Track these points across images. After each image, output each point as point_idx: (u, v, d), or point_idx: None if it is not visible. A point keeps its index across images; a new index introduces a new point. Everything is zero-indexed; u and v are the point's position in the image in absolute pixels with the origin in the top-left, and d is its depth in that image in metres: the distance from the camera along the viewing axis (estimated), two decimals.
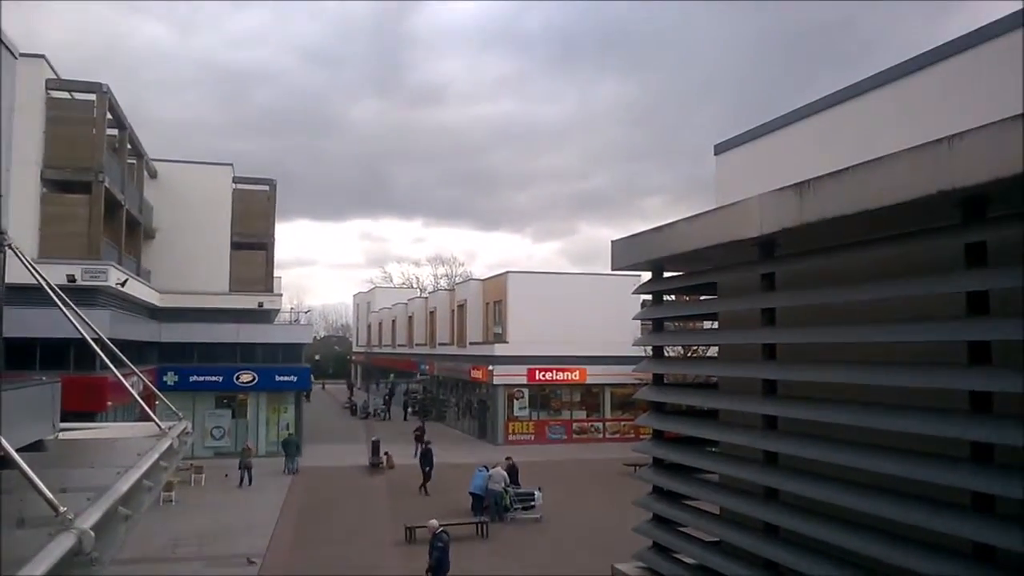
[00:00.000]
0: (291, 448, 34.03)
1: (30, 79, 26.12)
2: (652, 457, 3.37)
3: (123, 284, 27.64)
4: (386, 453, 34.57)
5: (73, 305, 5.97)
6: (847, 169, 2.08)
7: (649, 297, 3.59)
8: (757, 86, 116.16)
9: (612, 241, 3.55)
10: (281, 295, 43.69)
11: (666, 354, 3.66)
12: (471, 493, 25.35)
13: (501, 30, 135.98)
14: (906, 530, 2.03)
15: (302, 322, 52.55)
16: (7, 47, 4.76)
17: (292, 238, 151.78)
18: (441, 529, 17.93)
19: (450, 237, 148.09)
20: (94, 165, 27.81)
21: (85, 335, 6.02)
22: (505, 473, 25.86)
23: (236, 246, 40.29)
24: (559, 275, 47.60)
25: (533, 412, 44.04)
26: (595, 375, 42.69)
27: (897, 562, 2.01)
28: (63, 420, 5.65)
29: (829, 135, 4.89)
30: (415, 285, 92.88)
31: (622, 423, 42.97)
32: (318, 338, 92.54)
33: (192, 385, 35.95)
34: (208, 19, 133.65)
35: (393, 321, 71.01)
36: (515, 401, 43.56)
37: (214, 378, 36.78)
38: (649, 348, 3.66)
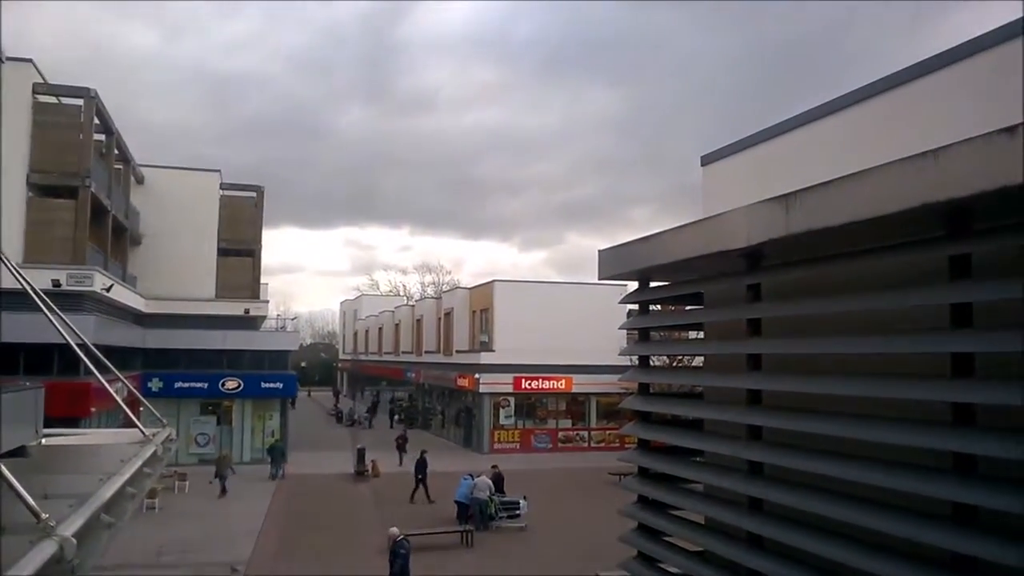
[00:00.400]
0: (277, 454, 33.99)
1: (17, 83, 26.00)
2: (637, 466, 3.37)
3: (108, 290, 27.47)
4: (372, 461, 34.43)
5: (57, 310, 5.93)
6: (833, 181, 2.09)
7: (635, 307, 3.60)
8: (743, 98, 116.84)
9: (599, 251, 3.55)
10: (267, 302, 43.52)
11: (652, 364, 3.67)
12: (456, 501, 25.29)
13: (489, 39, 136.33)
14: (889, 541, 2.04)
15: (288, 329, 52.31)
16: None
17: (279, 245, 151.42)
18: (402, 537, 17.84)
19: (436, 245, 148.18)
20: (80, 170, 27.67)
21: (69, 340, 5.98)
22: (490, 481, 25.81)
23: (223, 252, 40.15)
24: (545, 284, 47.69)
25: (519, 421, 44.01)
26: (581, 384, 42.73)
27: (879, 572, 2.02)
28: (46, 426, 5.60)
29: (815, 147, 4.92)
30: (402, 293, 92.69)
31: (607, 432, 42.98)
32: (304, 345, 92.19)
33: (177, 391, 35.73)
34: (196, 25, 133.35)
35: (380, 329, 70.85)
36: (501, 410, 43.52)
37: (199, 385, 36.57)
38: (635, 358, 3.66)
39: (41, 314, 5.67)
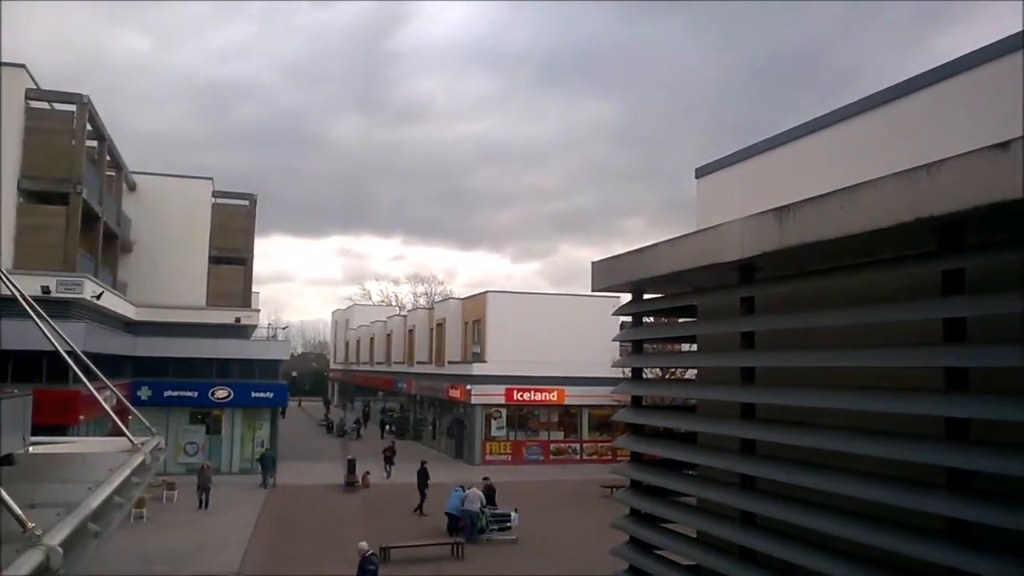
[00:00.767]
0: (268, 463, 33.95)
1: (10, 88, 25.94)
2: (629, 479, 3.36)
3: (98, 297, 27.37)
4: (367, 473, 34.30)
5: (47, 317, 5.89)
6: (827, 195, 2.09)
7: (628, 319, 3.59)
8: (736, 111, 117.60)
9: (592, 262, 3.55)
10: (259, 311, 43.45)
11: (645, 376, 3.66)
12: (447, 513, 25.19)
13: (484, 49, 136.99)
14: (882, 556, 2.03)
15: (279, 338, 52.23)
16: None
17: (270, 253, 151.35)
18: (371, 552, 17.72)
19: (429, 255, 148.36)
20: (72, 176, 27.61)
21: (58, 348, 5.94)
22: (481, 494, 25.73)
23: (214, 260, 40.08)
24: (538, 295, 47.72)
25: (511, 432, 43.94)
26: (573, 396, 42.69)
27: None
28: (34, 434, 5.57)
29: (809, 160, 4.94)
30: (394, 303, 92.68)
31: (599, 444, 42.94)
32: (295, 355, 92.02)
33: (166, 400, 35.57)
34: (190, 33, 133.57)
35: (371, 339, 70.71)
36: (493, 421, 43.44)
37: (189, 393, 36.42)
38: (628, 370, 3.66)
39: (30, 321, 5.64)
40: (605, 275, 3.43)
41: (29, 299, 5.59)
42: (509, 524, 25.30)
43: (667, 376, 24.01)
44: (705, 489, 2.90)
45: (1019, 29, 3.70)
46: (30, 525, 2.56)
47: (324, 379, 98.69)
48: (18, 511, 2.60)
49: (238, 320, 38.99)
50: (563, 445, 44.33)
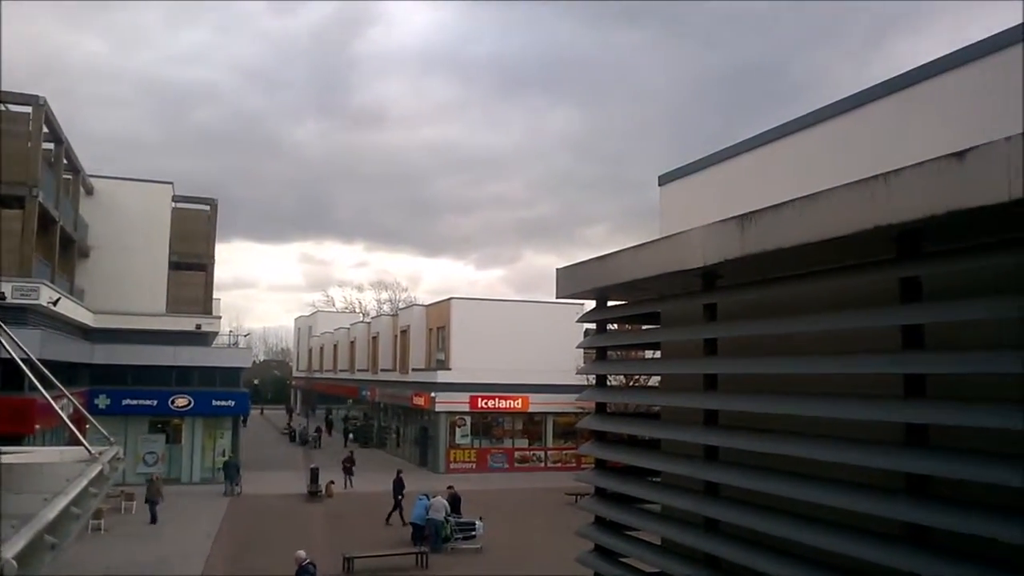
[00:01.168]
0: (231, 471, 33.65)
1: None
2: (594, 486, 3.36)
3: (55, 303, 26.85)
4: (331, 482, 33.99)
5: (2, 324, 5.77)
6: (788, 203, 2.11)
7: (592, 326, 3.60)
8: (699, 121, 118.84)
9: (557, 269, 3.56)
10: (220, 317, 42.95)
11: (609, 383, 3.67)
12: (411, 523, 25.05)
13: (446, 56, 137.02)
14: (844, 561, 2.05)
15: (241, 345, 51.64)
16: None
17: (231, 259, 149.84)
18: (308, 561, 17.55)
19: (393, 262, 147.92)
20: (28, 180, 27.10)
21: (13, 355, 5.82)
22: (446, 502, 25.61)
23: (174, 266, 39.55)
24: (503, 302, 47.70)
25: (475, 440, 43.84)
26: (538, 403, 42.73)
27: None
28: None
29: (770, 168, 4.99)
30: (358, 310, 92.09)
31: (564, 452, 42.99)
32: (257, 362, 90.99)
33: (125, 409, 34.98)
34: (149, 36, 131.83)
35: (335, 346, 70.20)
36: (457, 429, 43.32)
37: (148, 402, 35.84)
38: (592, 377, 3.66)
39: None
40: (569, 282, 3.44)
41: None
42: (474, 533, 25.21)
43: (631, 383, 24.12)
44: (669, 496, 2.91)
45: (973, 41, 3.78)
46: None
47: (287, 387, 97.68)
48: None
49: (199, 327, 38.50)
50: (528, 453, 44.32)
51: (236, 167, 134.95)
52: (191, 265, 40.49)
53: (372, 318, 66.25)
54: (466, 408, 42.66)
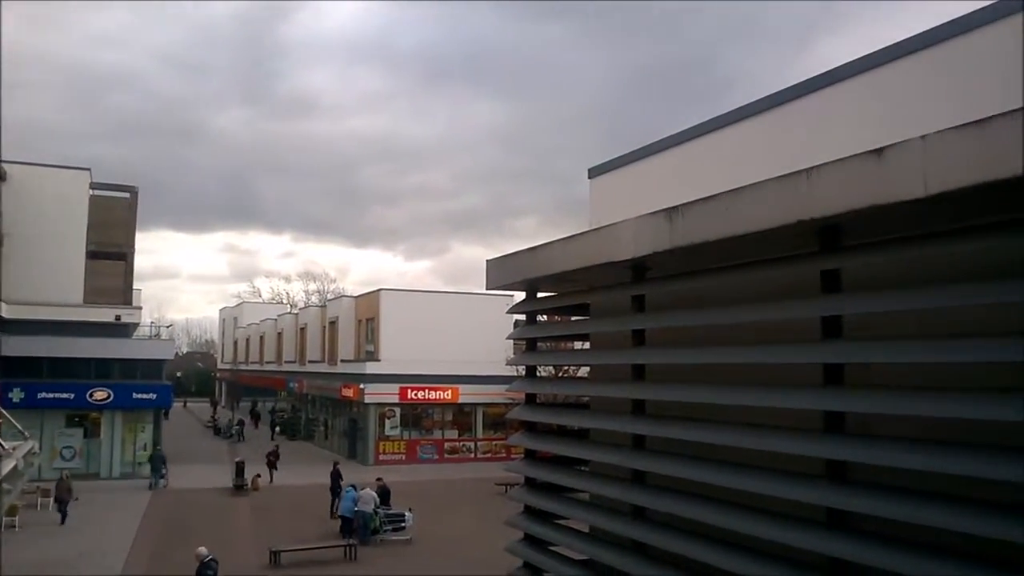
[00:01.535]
0: (157, 463, 32.96)
1: None
2: (524, 476, 3.38)
3: None
4: (257, 475, 33.40)
5: None
6: (715, 196, 2.15)
7: (523, 317, 3.62)
8: (624, 115, 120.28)
9: (487, 261, 3.56)
10: (140, 308, 41.76)
11: (539, 374, 3.69)
12: (339, 515, 24.82)
13: (374, 45, 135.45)
14: (767, 545, 2.11)
15: (163, 337, 50.30)
16: None
17: (153, 249, 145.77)
18: (210, 557, 17.30)
19: (321, 252, 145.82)
20: None
21: None
22: (375, 494, 25.44)
23: (92, 255, 38.22)
24: (432, 293, 47.54)
25: (405, 431, 43.63)
26: (468, 394, 42.75)
27: (756, 575, 2.09)
28: None
29: (699, 162, 5.08)
30: (285, 301, 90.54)
31: (494, 442, 43.12)
32: (180, 354, 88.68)
33: (41, 402, 33.72)
34: (64, 18, 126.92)
35: (261, 337, 68.94)
36: (386, 420, 43.03)
37: (65, 395, 34.60)
38: (522, 368, 3.68)
39: None
40: (500, 273, 3.44)
41: None
42: (403, 524, 25.12)
43: (560, 374, 24.30)
44: (598, 484, 2.95)
45: (895, 41, 3.91)
46: None
47: (211, 379, 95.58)
48: None
49: (118, 318, 37.36)
50: (457, 443, 44.33)
51: (158, 154, 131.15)
52: (110, 254, 39.23)
53: (300, 309, 65.30)
54: (396, 399, 42.42)
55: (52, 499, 26.97)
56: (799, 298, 2.14)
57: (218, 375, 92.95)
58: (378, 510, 24.93)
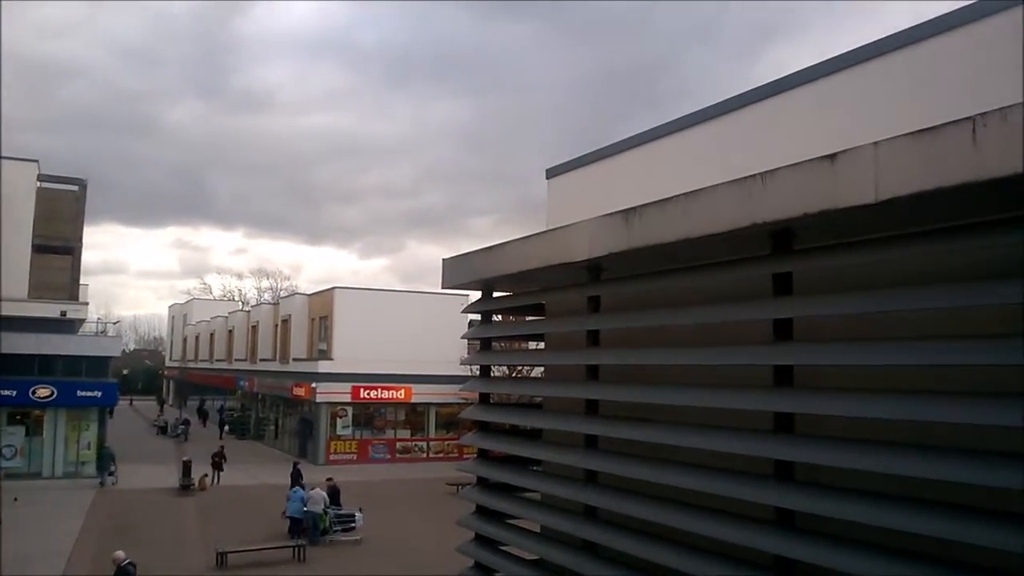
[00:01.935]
0: (106, 460, 32.37)
1: None
2: (476, 476, 3.37)
3: None
4: (204, 475, 32.84)
5: None
6: (672, 198, 2.17)
7: (477, 316, 3.61)
8: (583, 117, 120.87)
9: (443, 260, 3.54)
10: (87, 304, 40.82)
11: (493, 374, 3.68)
12: (288, 516, 24.53)
13: (334, 42, 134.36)
14: (716, 545, 2.13)
15: (110, 333, 49.25)
16: None
17: (101, 243, 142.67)
18: (127, 561, 17.01)
19: (274, 249, 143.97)
20: None
21: None
22: (325, 494, 25.19)
23: (38, 249, 37.26)
24: (387, 292, 47.23)
25: (356, 431, 43.30)
26: (420, 394, 42.58)
27: (706, 574, 2.11)
28: None
29: (655, 164, 5.12)
30: (237, 298, 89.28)
31: (446, 442, 43.01)
32: (127, 351, 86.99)
33: None
34: (11, 6, 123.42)
35: (211, 335, 67.90)
36: (338, 419, 42.66)
37: (7, 392, 33.67)
38: (476, 367, 3.67)
39: None
40: (455, 272, 3.43)
41: None
42: (353, 525, 24.92)
43: (515, 374, 24.33)
44: (550, 484, 2.95)
45: (849, 49, 3.98)
46: None
47: (159, 377, 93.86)
48: None
49: (64, 313, 36.50)
50: (410, 443, 44.12)
51: (108, 147, 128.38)
52: (56, 248, 38.30)
53: (252, 307, 64.43)
54: (348, 399, 42.06)
55: None
56: (751, 300, 2.16)
57: (166, 373, 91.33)
58: (328, 510, 24.70)
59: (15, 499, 27.28)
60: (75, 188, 39.82)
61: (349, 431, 42.98)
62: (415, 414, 44.30)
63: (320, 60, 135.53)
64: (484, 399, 3.50)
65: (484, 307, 3.46)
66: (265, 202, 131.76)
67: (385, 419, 44.15)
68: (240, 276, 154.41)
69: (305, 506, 24.10)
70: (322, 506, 24.47)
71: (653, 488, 2.37)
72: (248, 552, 21.34)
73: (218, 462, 35.05)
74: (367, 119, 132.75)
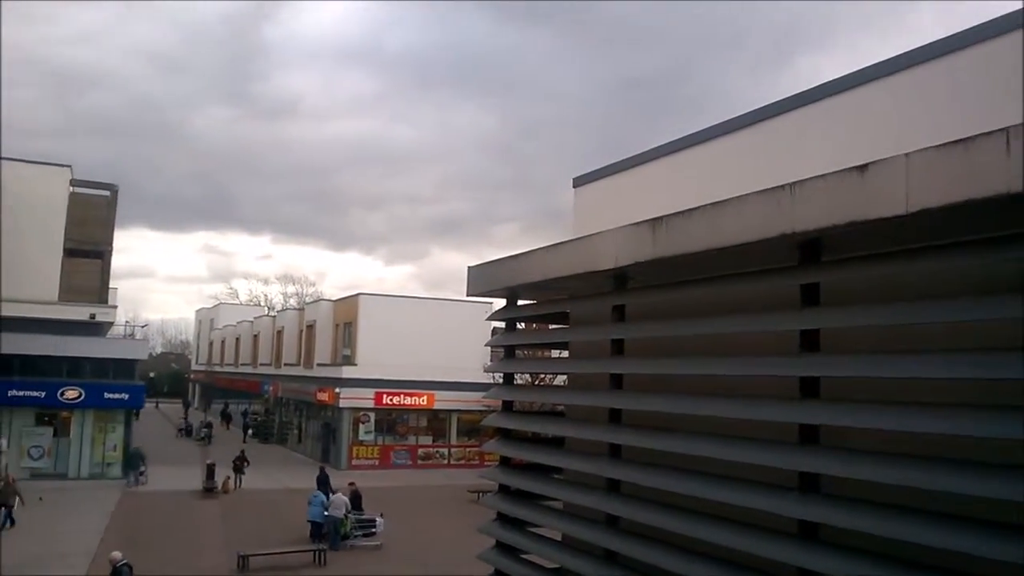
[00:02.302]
0: (135, 461, 32.74)
1: None
2: (497, 483, 3.37)
3: None
4: (227, 478, 33.02)
5: None
6: (698, 208, 2.16)
7: (501, 324, 3.61)
8: (612, 125, 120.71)
9: (468, 267, 3.55)
10: (116, 307, 41.25)
11: (516, 381, 3.68)
12: (309, 520, 24.60)
13: (360, 48, 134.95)
14: (739, 556, 2.11)
15: (137, 337, 49.78)
16: None
17: (130, 248, 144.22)
18: (123, 562, 17.04)
19: (299, 255, 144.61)
20: None
21: None
22: (347, 499, 25.23)
23: (69, 253, 37.72)
24: (411, 299, 47.31)
25: (379, 437, 43.40)
26: (443, 401, 42.60)
27: None
28: None
29: (682, 174, 5.11)
30: (263, 303, 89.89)
31: (468, 449, 42.98)
32: (154, 354, 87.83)
33: (10, 400, 33.17)
34: (40, 14, 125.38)
35: (237, 339, 68.39)
36: (361, 425, 42.78)
37: (35, 393, 34.04)
38: (499, 375, 3.67)
39: None
40: (480, 280, 3.44)
41: None
42: (374, 530, 24.94)
43: (537, 382, 24.29)
44: (571, 493, 2.94)
45: (877, 61, 3.96)
46: None
47: (185, 380, 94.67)
48: None
49: (93, 317, 36.88)
50: (431, 450, 44.14)
51: (137, 153, 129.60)
52: (87, 252, 38.75)
53: (277, 312, 64.86)
54: (371, 404, 42.19)
55: None
56: (778, 311, 2.15)
57: (192, 376, 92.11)
58: (349, 515, 24.75)
59: (39, 498, 27.58)
60: (106, 193, 40.29)
61: (371, 436, 43.08)
62: (437, 420, 44.32)
63: (346, 66, 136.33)
64: (507, 406, 3.50)
65: (508, 315, 3.47)
66: (291, 208, 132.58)
67: (407, 425, 44.22)
68: (266, 281, 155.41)
69: (326, 511, 24.17)
70: (343, 511, 24.52)
71: (676, 498, 2.35)
72: (269, 556, 21.43)
73: (239, 465, 35.14)
74: (392, 125, 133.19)
